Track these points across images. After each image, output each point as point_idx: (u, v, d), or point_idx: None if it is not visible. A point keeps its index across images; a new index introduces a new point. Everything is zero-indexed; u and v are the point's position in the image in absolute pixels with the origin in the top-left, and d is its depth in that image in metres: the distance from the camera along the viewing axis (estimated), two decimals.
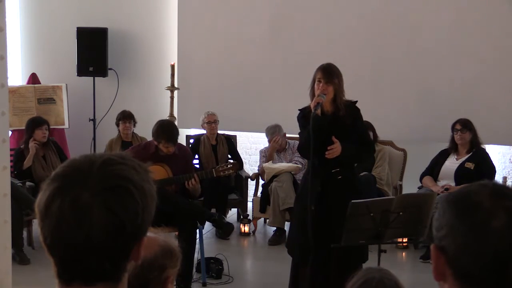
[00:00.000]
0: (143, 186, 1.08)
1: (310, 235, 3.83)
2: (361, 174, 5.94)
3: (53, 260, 1.08)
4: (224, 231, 5.78)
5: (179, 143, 5.10)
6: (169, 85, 6.71)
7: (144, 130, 6.73)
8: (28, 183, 5.81)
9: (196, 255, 4.91)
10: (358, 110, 4.03)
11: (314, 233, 3.83)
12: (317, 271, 3.93)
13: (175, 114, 6.80)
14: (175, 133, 4.87)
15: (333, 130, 3.90)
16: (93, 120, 7.47)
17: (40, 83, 7.51)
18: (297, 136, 4.28)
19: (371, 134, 6.09)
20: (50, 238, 1.06)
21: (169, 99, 6.75)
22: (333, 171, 3.95)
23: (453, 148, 5.90)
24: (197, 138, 6.81)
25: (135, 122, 6.65)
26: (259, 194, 6.68)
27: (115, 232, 1.04)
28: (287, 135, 6.63)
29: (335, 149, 3.85)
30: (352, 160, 4.09)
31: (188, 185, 4.85)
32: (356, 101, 4.04)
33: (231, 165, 5.09)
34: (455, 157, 5.88)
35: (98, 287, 1.07)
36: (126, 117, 6.59)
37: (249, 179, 6.75)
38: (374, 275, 1.82)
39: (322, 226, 3.87)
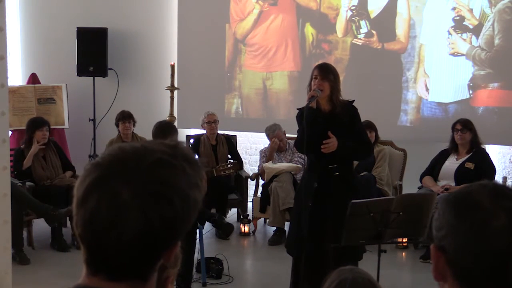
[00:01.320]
0: (188, 194, 1.03)
1: (304, 232, 3.86)
2: (361, 174, 5.94)
3: (82, 248, 1.05)
4: (224, 231, 5.77)
5: None
6: (169, 85, 6.70)
7: (144, 130, 6.71)
8: (28, 183, 5.81)
9: (196, 255, 4.91)
10: (355, 109, 4.06)
11: (310, 230, 3.85)
12: (314, 268, 3.94)
13: (175, 114, 6.79)
14: (174, 133, 4.84)
15: (330, 128, 3.92)
16: (93, 120, 7.47)
17: (40, 83, 7.51)
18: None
19: (373, 134, 6.11)
20: (82, 228, 1.02)
21: (169, 99, 6.75)
22: (329, 167, 3.95)
23: (453, 148, 5.90)
24: (197, 138, 6.81)
25: (134, 122, 6.64)
26: (259, 194, 6.67)
27: (147, 238, 1.00)
28: (287, 135, 6.63)
29: (331, 143, 3.87)
30: (348, 157, 4.09)
31: None
32: (353, 101, 4.08)
33: (231, 165, 5.10)
34: (455, 157, 5.88)
35: (123, 284, 1.03)
36: (125, 117, 6.58)
37: (249, 179, 6.75)
38: (346, 276, 1.82)
39: (318, 223, 3.89)
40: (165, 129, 4.83)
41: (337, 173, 3.97)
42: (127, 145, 1.06)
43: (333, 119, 3.97)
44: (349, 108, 4.03)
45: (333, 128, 3.93)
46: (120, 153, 1.04)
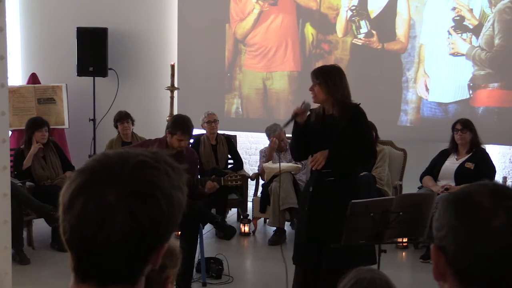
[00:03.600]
0: (172, 194, 1.05)
1: (303, 235, 3.89)
2: (361, 174, 5.93)
3: (71, 254, 1.06)
4: (226, 233, 5.75)
5: (188, 147, 5.08)
6: (169, 85, 6.71)
7: (144, 130, 6.74)
8: (28, 183, 5.81)
9: (196, 255, 4.91)
10: (359, 112, 3.92)
11: (308, 234, 3.86)
12: (311, 271, 3.94)
13: (175, 114, 6.79)
14: (191, 127, 4.83)
15: (326, 130, 3.90)
16: (93, 120, 7.47)
17: (40, 83, 7.51)
18: None
19: (372, 134, 6.09)
20: (69, 233, 1.03)
21: (169, 99, 6.75)
22: (323, 171, 3.92)
23: (453, 148, 5.90)
24: (197, 138, 6.80)
25: (133, 121, 6.64)
26: (259, 194, 6.67)
27: (135, 239, 1.01)
28: (287, 135, 6.62)
29: (317, 160, 3.88)
30: (347, 163, 4.01)
31: (206, 186, 4.80)
32: (359, 104, 3.95)
33: (239, 177, 5.10)
34: (455, 157, 5.88)
35: None
36: (123, 118, 6.57)
37: (249, 179, 6.74)
38: (365, 275, 1.83)
39: (314, 227, 3.89)
40: (186, 120, 4.81)
41: (332, 178, 3.93)
42: (110, 151, 1.08)
43: (331, 122, 3.92)
44: (352, 110, 3.90)
45: (328, 130, 3.90)
46: (103, 158, 1.06)
